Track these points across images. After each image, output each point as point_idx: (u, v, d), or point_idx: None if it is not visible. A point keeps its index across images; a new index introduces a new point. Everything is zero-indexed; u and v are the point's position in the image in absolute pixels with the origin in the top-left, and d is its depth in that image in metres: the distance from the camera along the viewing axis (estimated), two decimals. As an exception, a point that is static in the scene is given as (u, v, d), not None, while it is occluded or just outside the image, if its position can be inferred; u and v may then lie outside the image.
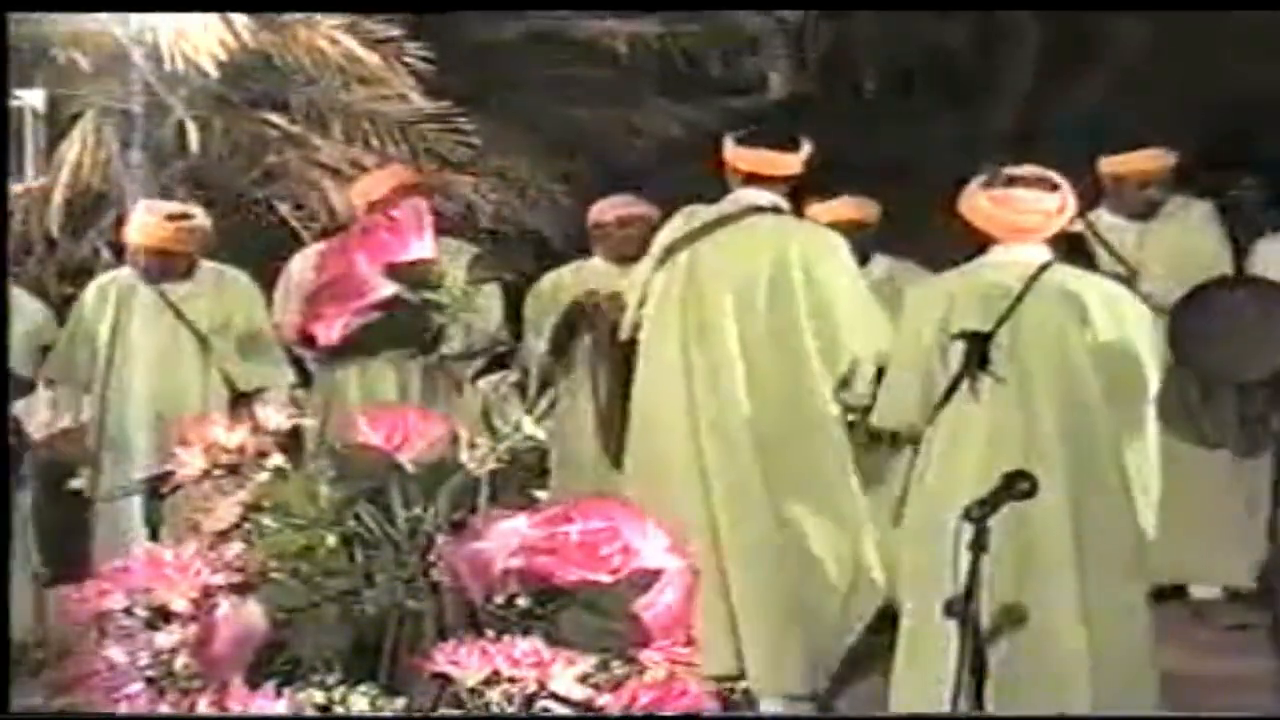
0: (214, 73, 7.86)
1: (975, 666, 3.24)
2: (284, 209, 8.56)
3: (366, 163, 8.36)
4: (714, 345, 4.85)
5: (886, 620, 4.76)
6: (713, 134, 5.53)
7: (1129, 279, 5.72)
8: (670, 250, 4.96)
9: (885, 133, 10.24)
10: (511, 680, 1.96)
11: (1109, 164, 6.23)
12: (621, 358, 5.12)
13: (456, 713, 1.98)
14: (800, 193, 5.11)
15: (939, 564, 4.44)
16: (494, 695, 1.96)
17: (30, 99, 8.19)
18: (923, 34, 11.01)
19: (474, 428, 2.35)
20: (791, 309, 4.81)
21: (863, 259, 5.84)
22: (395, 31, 8.45)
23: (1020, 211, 4.36)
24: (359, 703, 2.00)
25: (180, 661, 2.09)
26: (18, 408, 5.95)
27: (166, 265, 5.94)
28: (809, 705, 4.80)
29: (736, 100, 10.09)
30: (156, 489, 2.73)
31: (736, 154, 4.96)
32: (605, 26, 9.65)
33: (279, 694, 2.01)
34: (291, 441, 2.43)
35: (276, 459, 2.30)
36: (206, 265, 6.06)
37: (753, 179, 4.93)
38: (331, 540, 2.16)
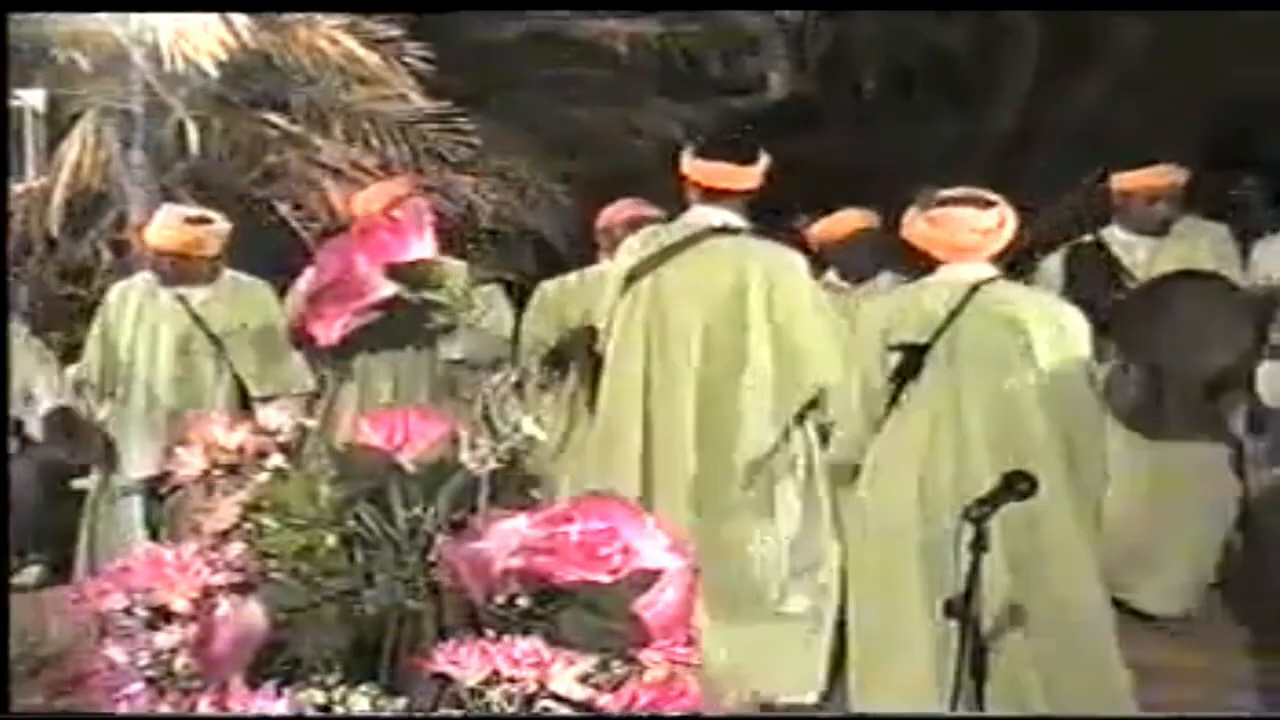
0: (214, 73, 7.86)
1: (975, 667, 3.24)
2: (284, 209, 8.57)
3: (366, 163, 8.38)
4: (674, 368, 4.84)
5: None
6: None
7: None
8: (633, 275, 4.95)
9: (885, 133, 10.25)
10: (511, 680, 1.96)
11: (1118, 180, 6.25)
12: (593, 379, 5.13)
13: (456, 713, 1.98)
14: (756, 206, 5.04)
15: (879, 570, 4.49)
16: (494, 695, 1.96)
17: (30, 99, 8.21)
18: (923, 34, 11.02)
19: (474, 428, 2.35)
20: (749, 334, 4.79)
21: (867, 272, 5.86)
22: (395, 31, 8.46)
23: (958, 231, 4.39)
24: (359, 703, 2.00)
25: (180, 661, 2.09)
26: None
27: (185, 269, 5.92)
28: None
29: (736, 100, 10.11)
30: (156, 489, 2.73)
31: (694, 166, 4.90)
32: (605, 26, 9.66)
33: (279, 694, 2.00)
34: (299, 438, 2.43)
35: (276, 459, 2.30)
36: (228, 273, 6.05)
37: (709, 193, 4.88)
38: (331, 540, 2.16)
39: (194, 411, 5.71)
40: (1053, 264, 6.08)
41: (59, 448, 5.82)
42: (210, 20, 7.76)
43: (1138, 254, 6.10)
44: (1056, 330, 4.37)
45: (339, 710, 1.99)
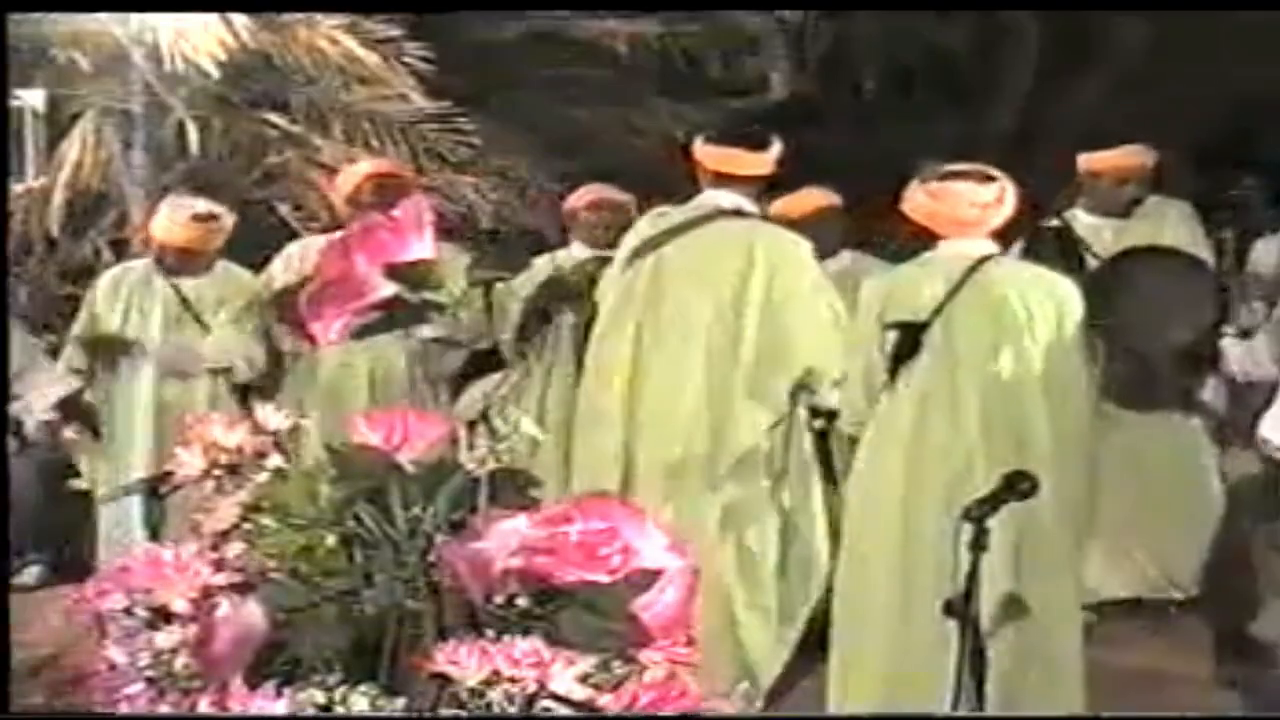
0: (214, 73, 7.86)
1: (975, 666, 3.24)
2: (284, 209, 8.57)
3: (367, 163, 8.37)
4: (670, 350, 4.84)
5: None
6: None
7: None
8: (638, 251, 4.95)
9: (885, 133, 10.25)
10: (511, 680, 1.96)
11: (1086, 161, 6.19)
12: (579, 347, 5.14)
13: (457, 713, 1.97)
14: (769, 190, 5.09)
15: (873, 551, 4.49)
16: (494, 695, 1.96)
17: (30, 99, 8.21)
18: (923, 34, 11.02)
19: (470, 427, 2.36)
20: (746, 316, 4.79)
21: (828, 251, 5.85)
22: (395, 31, 8.46)
23: (958, 204, 4.39)
24: (359, 703, 2.00)
25: (180, 661, 2.09)
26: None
27: (188, 262, 6.01)
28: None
29: (736, 100, 10.11)
30: (156, 489, 2.73)
31: (705, 153, 4.93)
32: (605, 26, 9.66)
33: (279, 694, 2.00)
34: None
35: (276, 459, 2.30)
36: (221, 263, 6.11)
37: (721, 179, 4.90)
38: (331, 540, 2.16)
39: (194, 408, 5.78)
40: (1013, 251, 6.07)
41: (71, 432, 5.83)
42: (210, 20, 7.76)
43: (1104, 236, 6.06)
44: (1055, 308, 4.36)
45: (339, 710, 1.99)
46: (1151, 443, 5.85)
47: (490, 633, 2.02)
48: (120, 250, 8.36)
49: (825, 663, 4.60)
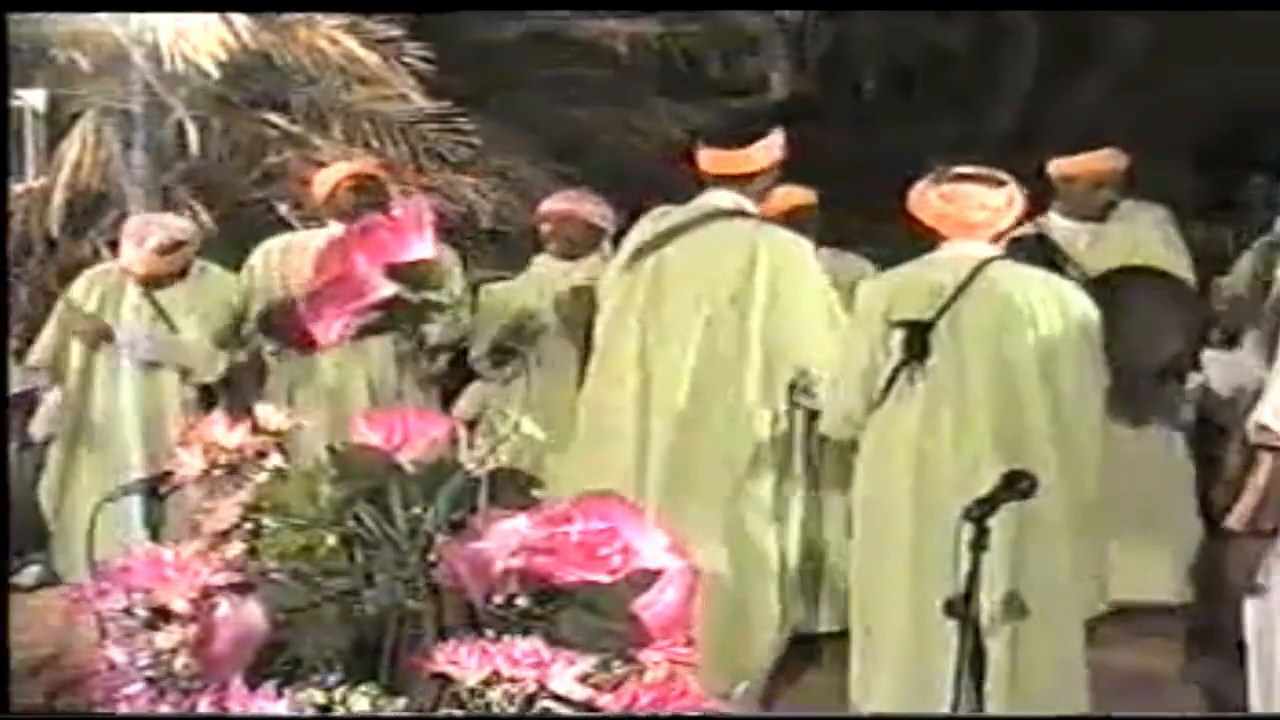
0: (214, 73, 7.85)
1: (975, 667, 3.25)
2: (284, 209, 8.56)
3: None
4: (671, 351, 4.83)
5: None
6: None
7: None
8: (638, 253, 4.95)
9: (885, 133, 10.25)
10: (511, 680, 1.96)
11: (1060, 165, 6.19)
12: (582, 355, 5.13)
13: (456, 713, 1.97)
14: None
15: (885, 551, 4.49)
16: (494, 695, 1.96)
17: (30, 99, 8.20)
18: (923, 34, 11.02)
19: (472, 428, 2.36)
20: (749, 319, 4.79)
21: None
22: (395, 31, 8.45)
23: (968, 207, 4.40)
24: (359, 703, 2.00)
25: (180, 661, 2.09)
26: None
27: (159, 280, 6.05)
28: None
29: (736, 100, 10.10)
30: (156, 489, 2.73)
31: (700, 155, 4.96)
32: (605, 26, 9.65)
33: (279, 694, 2.00)
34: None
35: (276, 459, 2.30)
36: (197, 266, 6.14)
37: (720, 179, 4.91)
38: (331, 540, 2.16)
39: (166, 410, 5.82)
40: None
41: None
42: (210, 20, 7.75)
43: (1080, 240, 6.07)
44: (1060, 310, 4.37)
45: (339, 710, 1.99)
46: (1137, 456, 5.89)
47: (490, 633, 2.02)
48: (120, 250, 8.35)
49: (822, 662, 4.62)
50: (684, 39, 9.92)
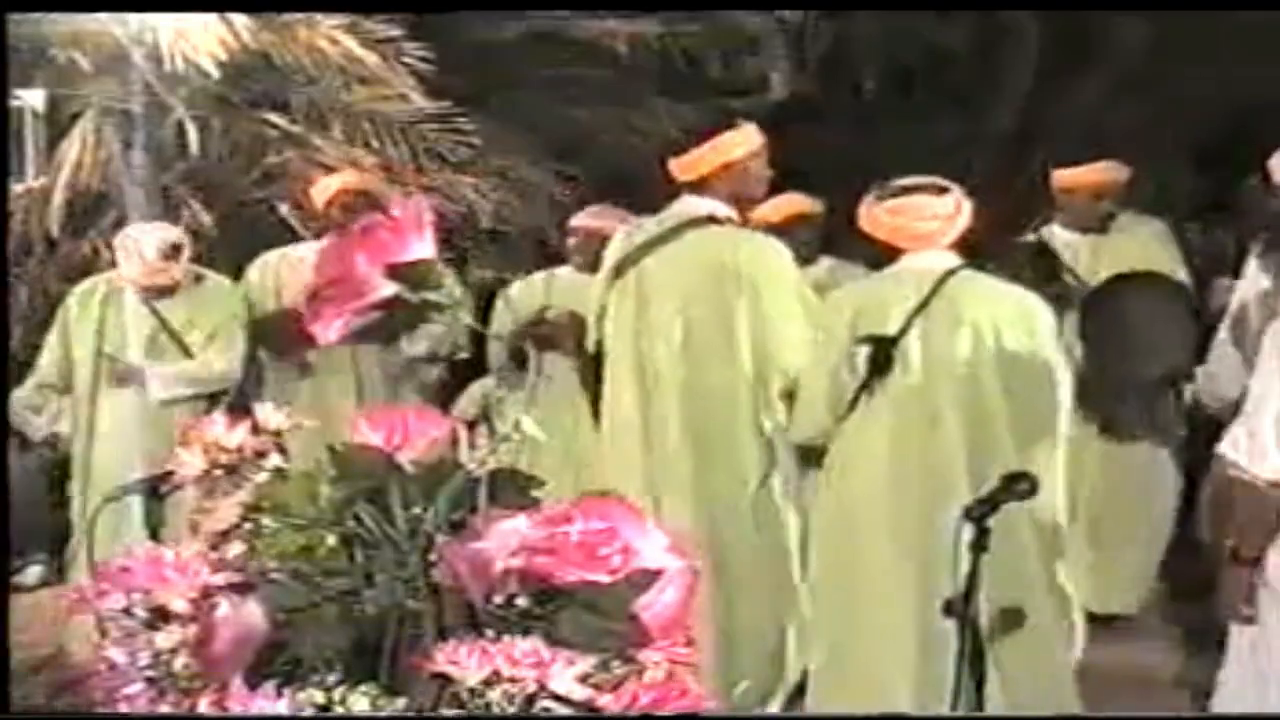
0: (214, 73, 7.85)
1: (975, 667, 3.25)
2: (284, 209, 8.56)
3: (366, 163, 8.37)
4: (657, 363, 4.84)
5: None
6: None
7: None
8: (619, 268, 4.96)
9: (885, 133, 10.25)
10: (511, 680, 1.96)
11: (1059, 178, 6.23)
12: (592, 373, 5.13)
13: (457, 713, 1.97)
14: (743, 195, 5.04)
15: (842, 565, 4.50)
16: (494, 695, 1.96)
17: (30, 99, 8.20)
18: (923, 34, 11.02)
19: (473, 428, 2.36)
20: (730, 325, 4.78)
21: (807, 258, 5.86)
22: (395, 31, 8.45)
23: (916, 218, 4.42)
24: (359, 703, 2.00)
25: (180, 661, 2.09)
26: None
27: (154, 290, 6.01)
28: None
29: (736, 100, 10.09)
30: (156, 489, 2.73)
31: (670, 163, 4.95)
32: (605, 26, 9.65)
33: (279, 694, 2.00)
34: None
35: (276, 459, 2.30)
36: (192, 271, 6.11)
37: (692, 187, 4.89)
38: (331, 540, 2.16)
39: (171, 419, 5.81)
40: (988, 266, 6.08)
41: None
42: (210, 20, 7.75)
43: (1080, 252, 6.09)
44: (1024, 321, 4.38)
45: (339, 710, 1.99)
46: (1125, 466, 5.92)
47: (490, 633, 2.02)
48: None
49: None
50: (684, 39, 9.92)
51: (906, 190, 4.47)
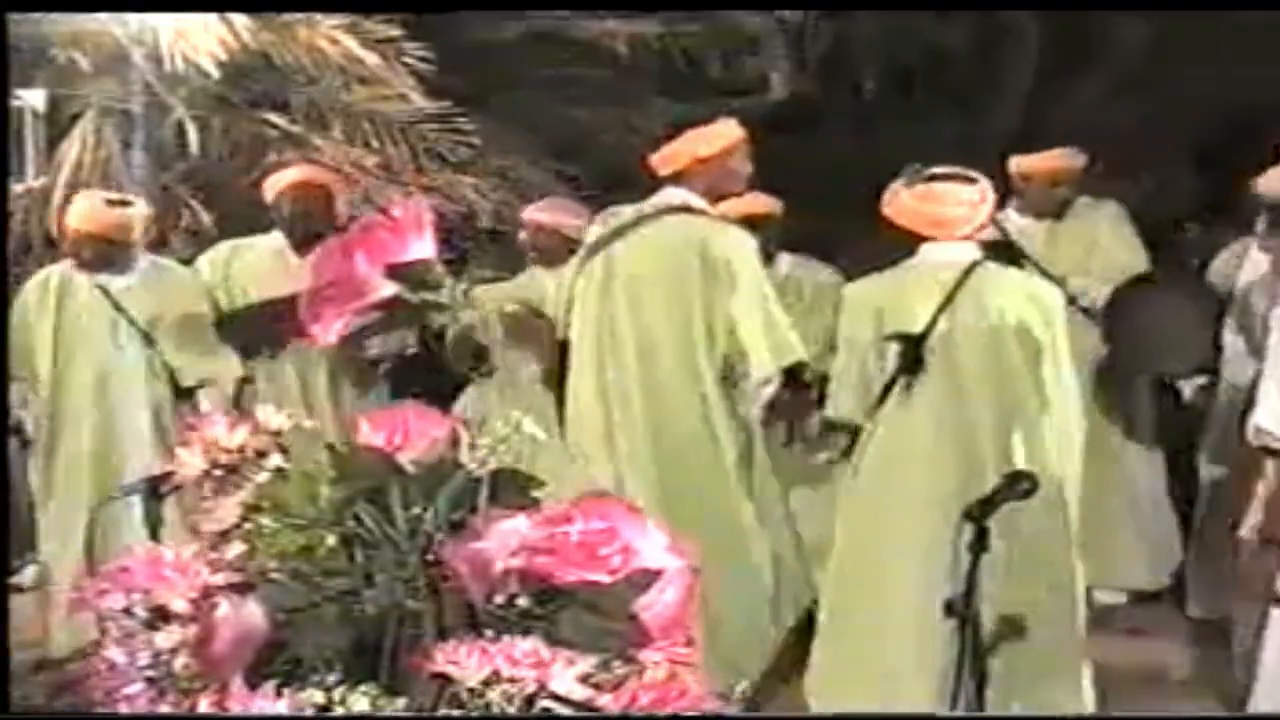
0: (214, 73, 7.85)
1: (975, 667, 3.24)
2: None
3: (367, 163, 8.37)
4: (621, 348, 4.85)
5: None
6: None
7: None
8: (590, 253, 4.98)
9: (885, 133, 10.25)
10: (511, 680, 1.96)
11: (1018, 163, 6.26)
12: (559, 360, 5.14)
13: (457, 713, 1.97)
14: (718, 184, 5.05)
15: (868, 561, 4.50)
16: (494, 695, 1.96)
17: (30, 99, 8.19)
18: (923, 34, 11.02)
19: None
20: (694, 311, 4.80)
21: (767, 257, 5.87)
22: (395, 31, 8.45)
23: (944, 204, 4.44)
24: (359, 703, 2.00)
25: (180, 661, 2.09)
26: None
27: (105, 254, 5.94)
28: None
29: (736, 100, 10.09)
30: (156, 489, 2.73)
31: (653, 156, 5.00)
32: (605, 26, 9.66)
33: (279, 694, 2.00)
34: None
35: (276, 459, 2.30)
36: (147, 259, 6.08)
37: (671, 179, 4.92)
38: (331, 540, 2.16)
39: (133, 408, 5.79)
40: None
41: None
42: (210, 20, 7.75)
43: (1036, 237, 6.12)
44: (1041, 313, 4.42)
45: (339, 710, 1.99)
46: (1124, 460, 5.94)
47: (490, 633, 2.02)
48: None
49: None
50: (684, 39, 9.93)
51: (936, 178, 4.51)
